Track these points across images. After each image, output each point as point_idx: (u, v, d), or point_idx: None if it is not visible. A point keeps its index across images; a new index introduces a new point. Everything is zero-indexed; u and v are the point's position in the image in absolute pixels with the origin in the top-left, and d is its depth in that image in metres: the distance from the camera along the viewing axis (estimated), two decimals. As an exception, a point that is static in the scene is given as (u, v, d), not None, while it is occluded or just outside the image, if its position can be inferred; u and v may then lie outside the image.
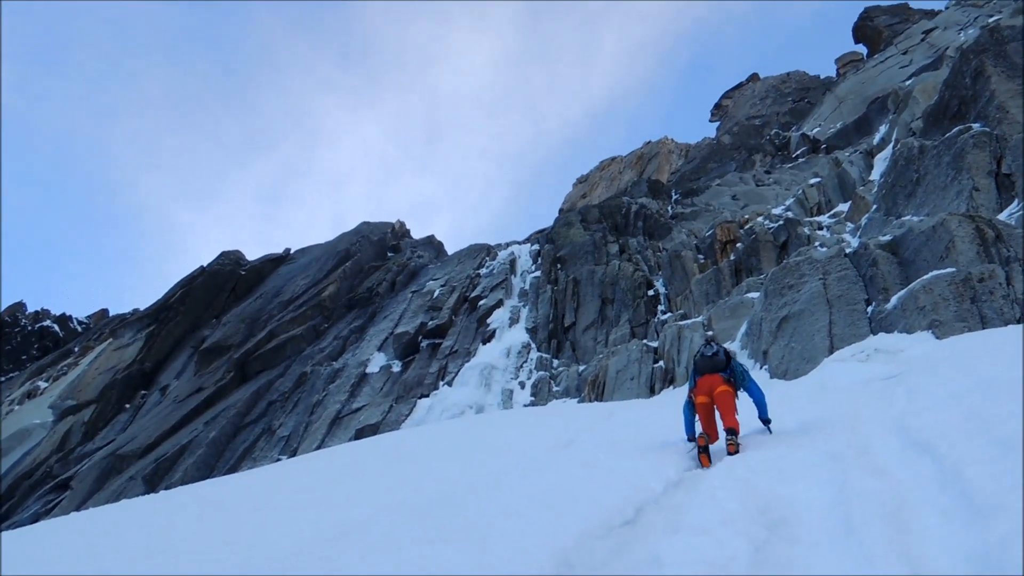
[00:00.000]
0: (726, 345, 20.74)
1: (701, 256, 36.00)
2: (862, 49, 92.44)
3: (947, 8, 71.57)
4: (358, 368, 37.93)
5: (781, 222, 31.89)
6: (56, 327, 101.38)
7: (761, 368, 17.72)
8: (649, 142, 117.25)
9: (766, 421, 9.45)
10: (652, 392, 23.20)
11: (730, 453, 8.46)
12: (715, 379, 9.31)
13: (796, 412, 10.23)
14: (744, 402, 9.82)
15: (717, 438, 9.16)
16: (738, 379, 9.44)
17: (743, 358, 19.41)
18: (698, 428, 9.47)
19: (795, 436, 8.74)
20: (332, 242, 59.36)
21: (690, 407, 9.51)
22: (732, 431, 8.69)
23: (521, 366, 34.35)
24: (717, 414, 9.28)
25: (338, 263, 52.49)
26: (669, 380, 23.21)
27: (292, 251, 62.73)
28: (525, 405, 30.52)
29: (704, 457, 8.49)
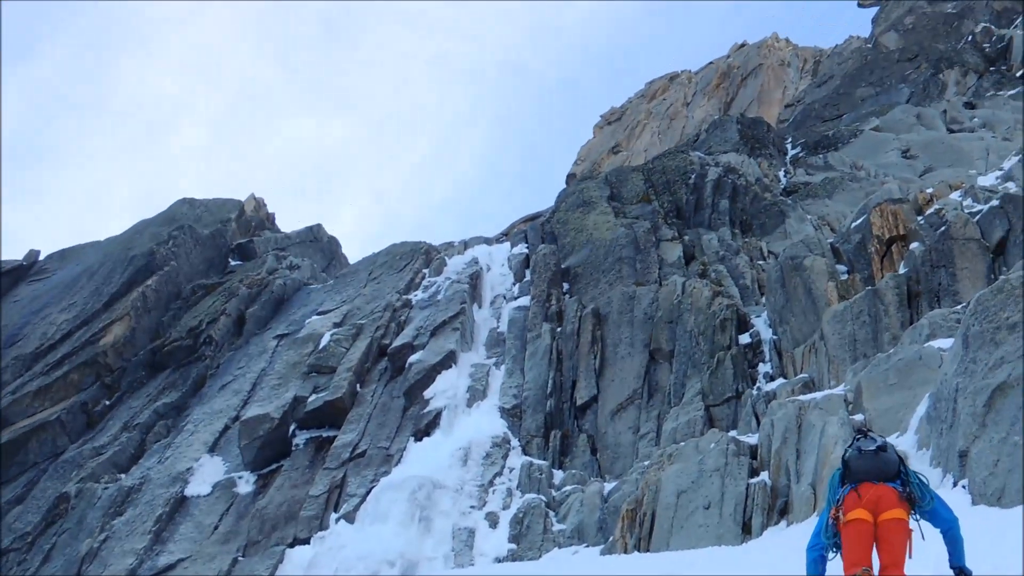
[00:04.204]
0: (890, 441, 20.90)
1: (843, 268, 36.29)
2: None
3: None
4: (170, 487, 37.77)
5: (995, 202, 32.22)
6: None
7: (956, 484, 17.85)
8: (743, 46, 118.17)
9: (963, 574, 9.71)
10: (746, 532, 23.26)
11: None
12: (883, 492, 9.71)
13: (1018, 561, 10.38)
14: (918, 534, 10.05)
15: None
16: (915, 497, 9.83)
17: (923, 464, 19.55)
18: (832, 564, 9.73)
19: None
20: (122, 238, 59.17)
21: (827, 539, 9.93)
22: None
23: (492, 483, 34.34)
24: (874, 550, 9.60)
25: (133, 280, 52.31)
26: (780, 510, 23.29)
27: (42, 256, 62.31)
28: (499, 559, 30.48)
29: None
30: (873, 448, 9.90)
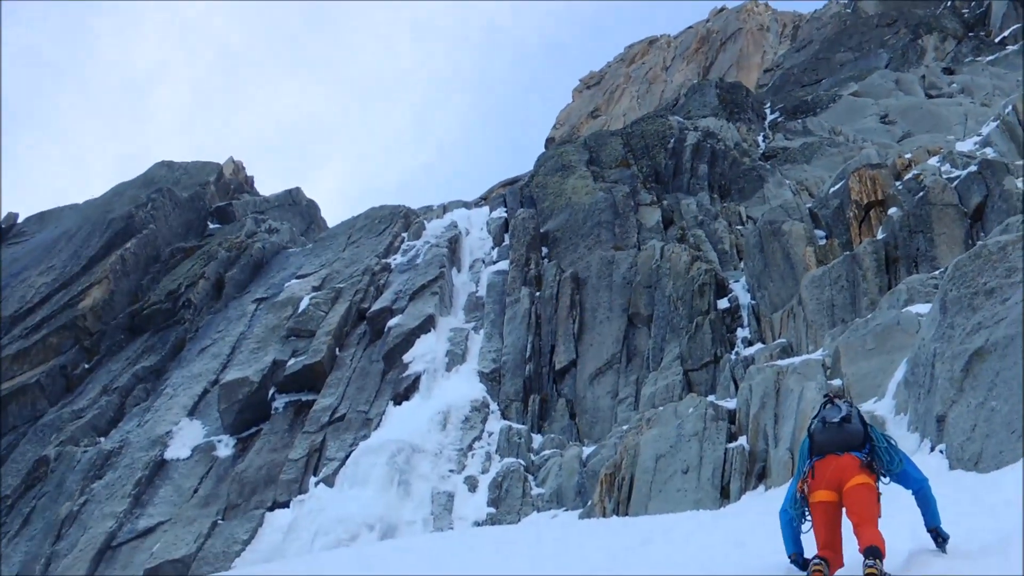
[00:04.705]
0: (867, 406, 20.87)
1: (821, 233, 36.27)
2: None
3: None
4: (149, 450, 37.66)
5: (973, 167, 32.21)
6: None
7: (933, 449, 17.84)
8: (722, 10, 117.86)
9: (939, 536, 9.81)
10: (724, 496, 23.26)
11: None
12: (846, 463, 9.77)
13: (995, 525, 10.38)
14: (893, 500, 10.08)
15: (842, 563, 9.58)
16: (881, 463, 9.96)
17: (900, 429, 19.55)
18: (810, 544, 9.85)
19: (991, 566, 8.91)
20: (101, 201, 58.83)
21: (794, 509, 10.11)
22: (874, 552, 8.99)
23: (471, 447, 34.30)
24: (846, 522, 9.68)
25: (111, 243, 52.03)
26: (758, 475, 23.28)
27: (21, 219, 62.07)
28: (478, 523, 30.43)
29: None
30: (837, 420, 9.95)
